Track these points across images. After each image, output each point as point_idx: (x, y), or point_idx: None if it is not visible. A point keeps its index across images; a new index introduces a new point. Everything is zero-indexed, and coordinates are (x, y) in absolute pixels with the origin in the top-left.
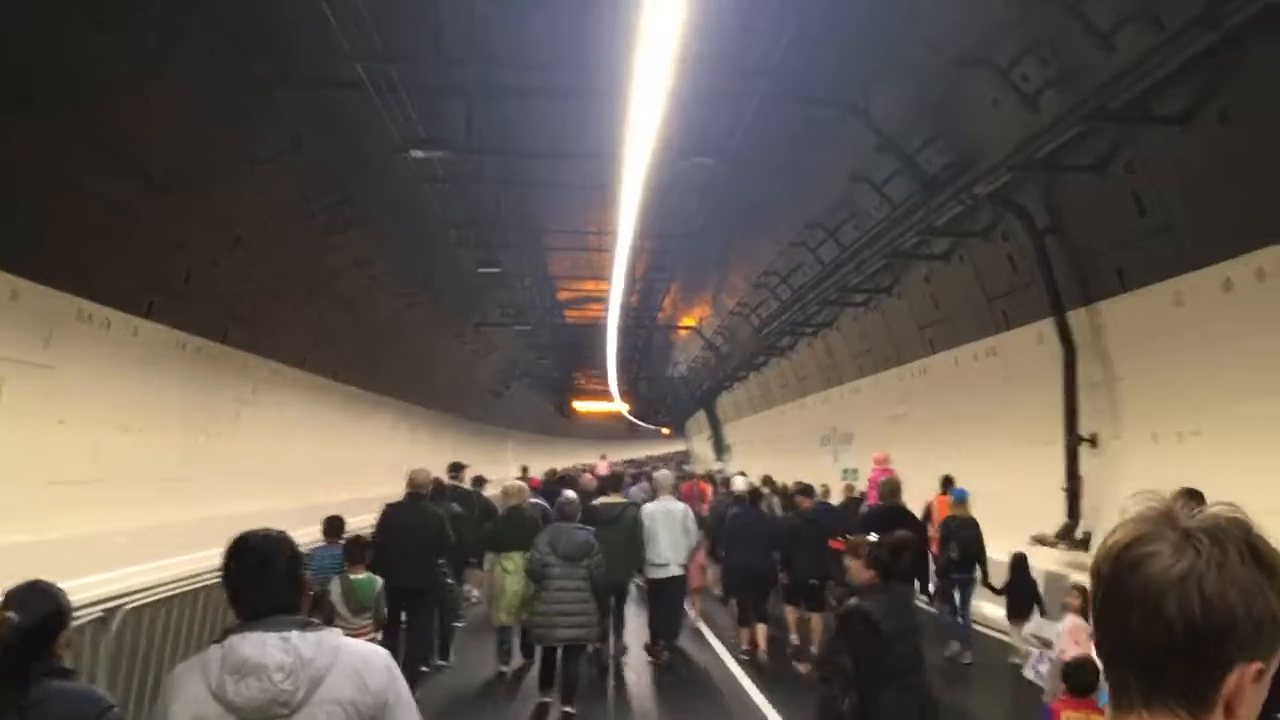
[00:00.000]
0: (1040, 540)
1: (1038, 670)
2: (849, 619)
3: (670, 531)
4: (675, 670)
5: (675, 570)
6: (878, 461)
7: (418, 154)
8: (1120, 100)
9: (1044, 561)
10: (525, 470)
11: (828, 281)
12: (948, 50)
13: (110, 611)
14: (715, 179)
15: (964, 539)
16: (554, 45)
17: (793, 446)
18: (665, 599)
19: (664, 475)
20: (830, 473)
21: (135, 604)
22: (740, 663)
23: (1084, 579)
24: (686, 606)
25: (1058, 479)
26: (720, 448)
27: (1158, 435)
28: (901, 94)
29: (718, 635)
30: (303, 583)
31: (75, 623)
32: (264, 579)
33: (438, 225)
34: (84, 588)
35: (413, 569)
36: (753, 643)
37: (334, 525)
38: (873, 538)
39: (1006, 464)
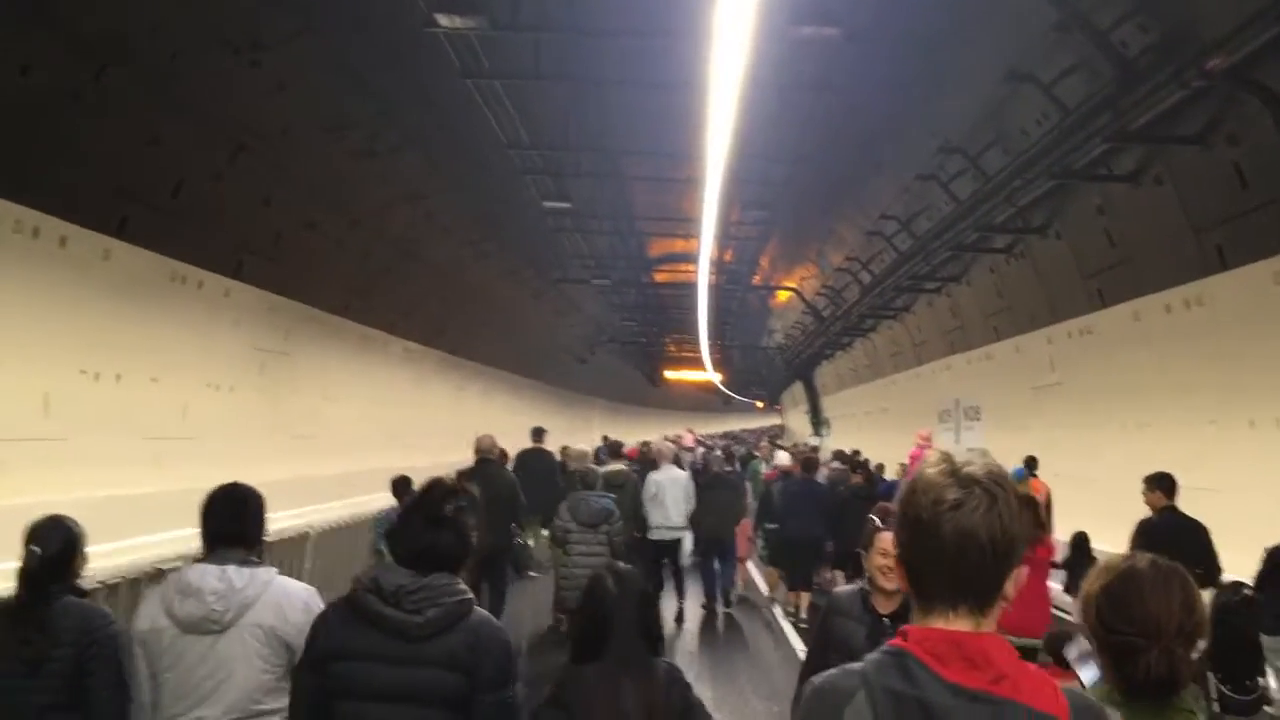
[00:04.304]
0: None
1: None
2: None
3: (674, 496)
4: (719, 627)
5: (681, 532)
6: (921, 438)
7: (448, 21)
8: None
9: None
10: (605, 439)
11: (963, 223)
12: None
13: None
14: (830, 72)
15: None
16: None
17: (903, 422)
18: (673, 558)
19: (665, 446)
20: (952, 453)
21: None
22: (795, 629)
23: None
24: (736, 576)
25: None
26: (818, 422)
27: None
28: None
29: (770, 598)
30: (263, 531)
31: None
32: (230, 523)
33: (495, 146)
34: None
35: (486, 532)
36: (797, 606)
37: (400, 486)
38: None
39: (1216, 449)
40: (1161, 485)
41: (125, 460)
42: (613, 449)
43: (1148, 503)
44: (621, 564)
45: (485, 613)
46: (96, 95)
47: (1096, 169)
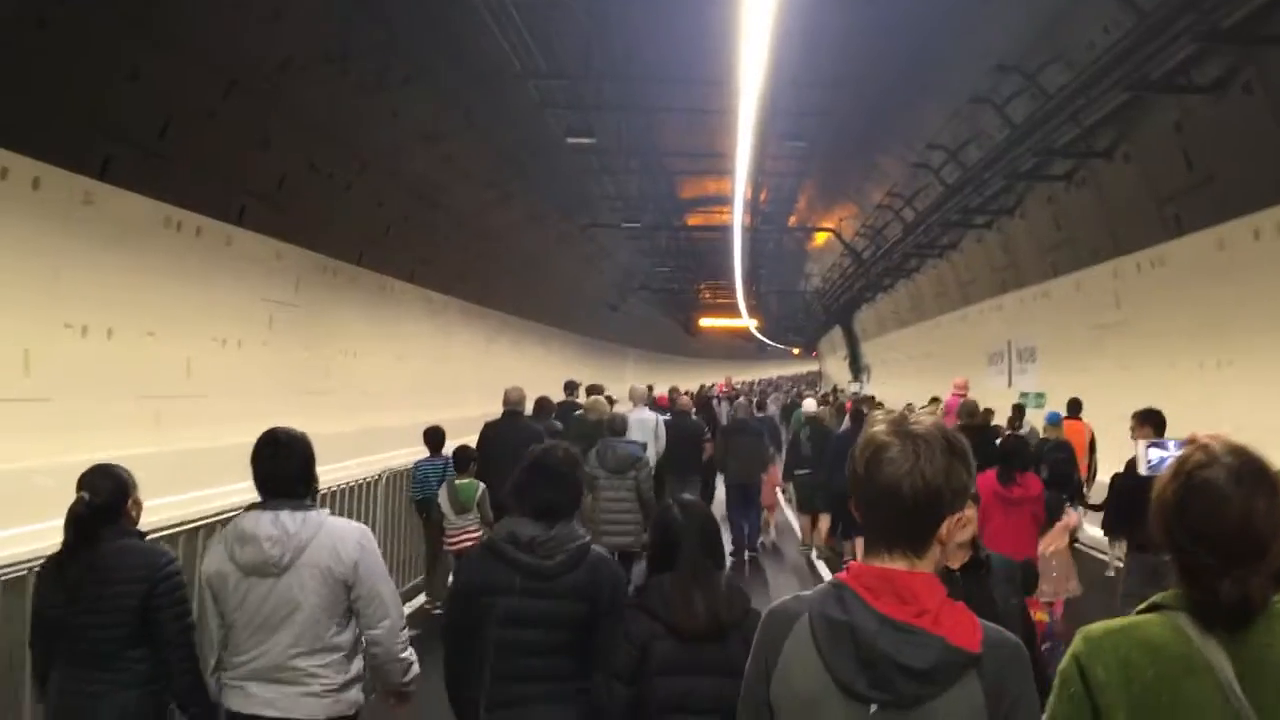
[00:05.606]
0: None
1: None
2: None
3: (644, 438)
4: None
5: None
6: (957, 387)
7: None
8: None
9: None
10: (650, 389)
11: (1019, 148)
12: None
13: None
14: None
15: (1052, 461)
16: None
17: (949, 367)
18: None
19: (638, 388)
20: (1004, 398)
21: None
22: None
23: None
24: (762, 523)
25: None
26: (857, 368)
27: None
28: None
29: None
30: (312, 474)
31: None
32: (279, 467)
33: (513, 76)
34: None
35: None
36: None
37: (434, 437)
38: None
39: None
40: (1150, 420)
41: (119, 421)
42: (596, 388)
43: (1138, 439)
44: (687, 496)
45: (600, 550)
46: (74, 29)
47: (1175, 80)
